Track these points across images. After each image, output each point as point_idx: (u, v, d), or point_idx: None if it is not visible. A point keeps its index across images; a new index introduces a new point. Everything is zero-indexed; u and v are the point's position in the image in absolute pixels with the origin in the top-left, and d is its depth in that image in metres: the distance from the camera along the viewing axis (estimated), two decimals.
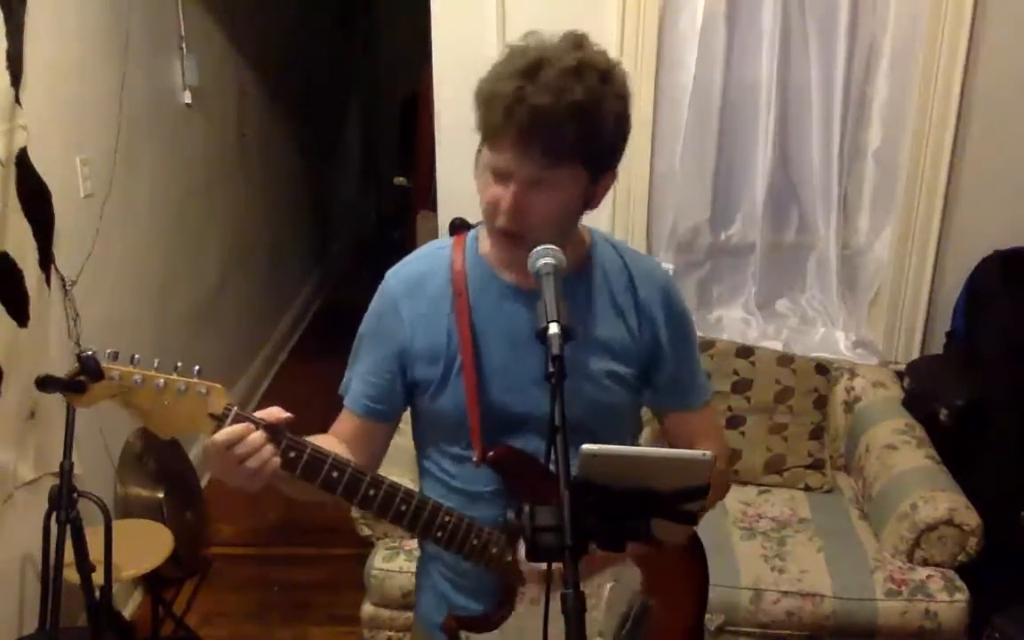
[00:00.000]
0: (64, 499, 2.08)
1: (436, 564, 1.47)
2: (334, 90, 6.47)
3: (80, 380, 1.12)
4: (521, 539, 1.09)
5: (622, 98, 1.25)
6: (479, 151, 1.29)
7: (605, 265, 1.40)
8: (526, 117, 1.17)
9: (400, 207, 4.87)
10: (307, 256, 5.83)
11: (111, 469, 2.88)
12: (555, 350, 1.11)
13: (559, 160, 1.22)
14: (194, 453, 3.44)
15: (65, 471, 2.10)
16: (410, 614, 2.42)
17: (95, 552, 2.18)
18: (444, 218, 3.03)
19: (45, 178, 2.44)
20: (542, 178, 1.22)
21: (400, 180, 4.67)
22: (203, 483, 3.59)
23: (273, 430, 1.20)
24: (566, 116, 1.18)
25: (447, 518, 1.30)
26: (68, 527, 2.09)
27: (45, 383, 1.12)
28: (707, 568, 1.59)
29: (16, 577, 2.41)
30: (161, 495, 2.94)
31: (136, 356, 1.16)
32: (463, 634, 1.39)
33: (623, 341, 1.38)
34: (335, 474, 1.23)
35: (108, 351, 1.14)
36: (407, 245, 4.33)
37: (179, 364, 1.17)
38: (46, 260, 2.47)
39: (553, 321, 1.13)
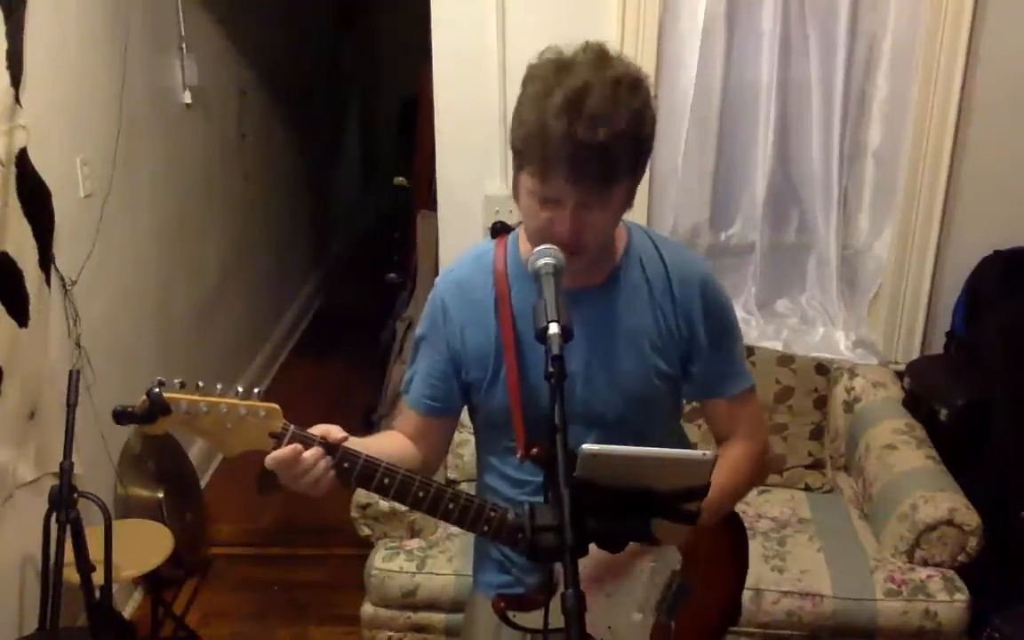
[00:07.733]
0: (64, 499, 2.08)
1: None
2: (334, 90, 6.46)
3: (152, 413, 1.21)
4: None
5: (650, 101, 1.28)
6: (517, 173, 1.30)
7: (643, 260, 1.43)
8: (580, 153, 1.19)
9: (400, 207, 4.86)
10: (307, 256, 5.82)
11: (111, 469, 2.88)
12: (555, 350, 1.11)
13: (612, 184, 1.25)
14: (194, 453, 3.44)
15: (65, 471, 2.10)
16: (409, 614, 2.44)
17: (95, 552, 2.18)
18: (444, 218, 3.03)
19: (45, 178, 2.44)
20: (596, 201, 1.25)
21: (400, 180, 4.65)
22: (203, 483, 3.59)
23: (328, 446, 1.27)
24: (617, 146, 1.21)
25: (492, 513, 1.34)
26: (68, 527, 2.09)
27: (122, 417, 1.20)
28: (747, 548, 1.62)
29: (16, 577, 2.42)
30: (161, 495, 2.94)
31: (200, 382, 1.23)
32: (511, 613, 1.44)
33: (662, 336, 1.41)
34: (387, 480, 1.29)
35: (176, 381, 1.22)
36: (407, 245, 4.35)
37: (240, 388, 1.26)
38: (46, 260, 2.47)
39: (553, 321, 1.13)
